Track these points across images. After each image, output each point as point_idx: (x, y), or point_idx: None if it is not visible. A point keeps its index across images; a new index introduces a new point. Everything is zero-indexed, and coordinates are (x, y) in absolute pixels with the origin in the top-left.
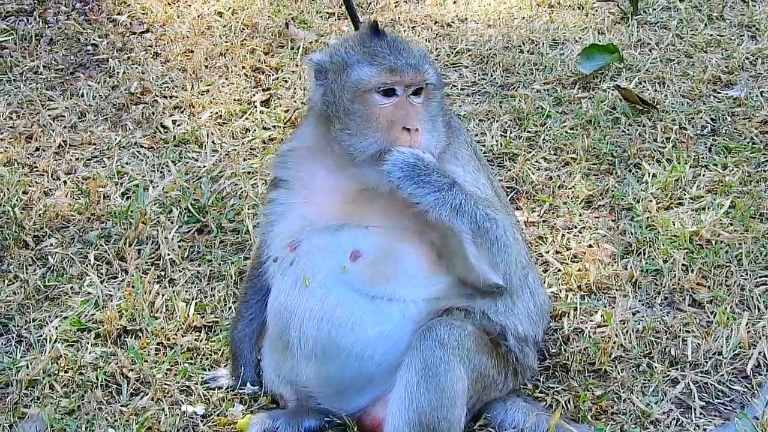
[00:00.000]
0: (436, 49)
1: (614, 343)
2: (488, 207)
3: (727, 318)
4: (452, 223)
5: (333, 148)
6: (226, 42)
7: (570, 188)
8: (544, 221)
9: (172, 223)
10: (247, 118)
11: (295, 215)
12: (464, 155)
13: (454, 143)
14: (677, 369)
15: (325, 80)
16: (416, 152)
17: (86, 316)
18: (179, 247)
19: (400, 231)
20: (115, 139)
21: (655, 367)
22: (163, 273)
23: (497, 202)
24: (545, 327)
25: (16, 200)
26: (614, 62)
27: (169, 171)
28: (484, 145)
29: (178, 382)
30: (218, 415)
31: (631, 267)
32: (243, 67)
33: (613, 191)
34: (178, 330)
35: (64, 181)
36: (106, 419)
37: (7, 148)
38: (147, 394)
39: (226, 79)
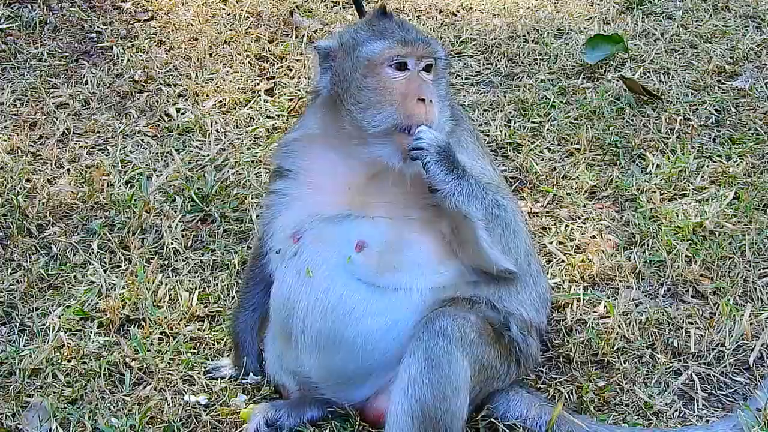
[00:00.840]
0: (441, 38)
1: (617, 334)
2: (497, 193)
3: (730, 309)
4: (467, 210)
5: (343, 128)
6: (231, 30)
7: (574, 179)
8: (547, 212)
9: (175, 212)
10: (251, 107)
11: (299, 206)
12: (469, 143)
13: (458, 131)
14: (680, 360)
15: (333, 64)
16: (442, 136)
17: (89, 305)
18: (182, 236)
19: (406, 220)
20: (119, 127)
21: (658, 359)
22: (166, 262)
23: (505, 188)
24: (547, 315)
25: (20, 188)
26: (619, 52)
27: (173, 160)
28: (488, 135)
29: (181, 372)
30: (221, 405)
31: (634, 258)
32: (247, 56)
33: (616, 182)
34: (181, 319)
35: (68, 170)
36: (109, 408)
37: (10, 135)
38: (150, 384)
39: (231, 67)
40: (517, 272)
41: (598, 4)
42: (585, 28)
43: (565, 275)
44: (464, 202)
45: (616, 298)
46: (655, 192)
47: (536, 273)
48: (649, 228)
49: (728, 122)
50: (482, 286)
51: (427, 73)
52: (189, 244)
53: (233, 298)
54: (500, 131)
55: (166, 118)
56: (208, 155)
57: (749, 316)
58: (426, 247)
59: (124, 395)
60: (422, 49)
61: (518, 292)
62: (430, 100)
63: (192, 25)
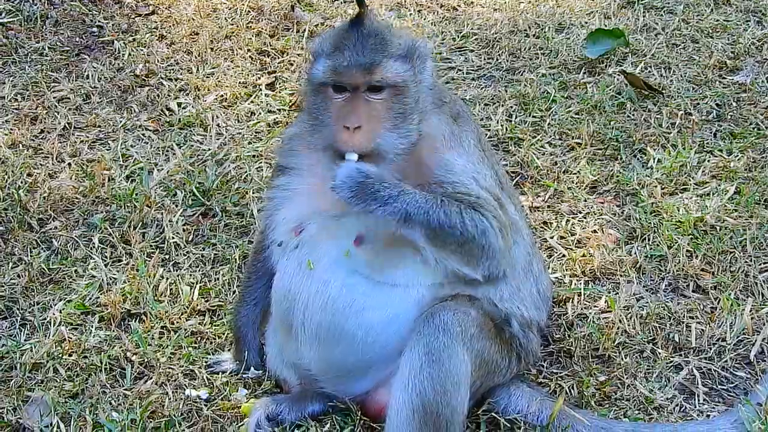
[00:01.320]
0: (442, 32)
1: (618, 328)
2: (464, 210)
3: (731, 304)
4: (405, 233)
5: None
6: (232, 24)
7: (575, 173)
8: (548, 206)
9: (176, 206)
10: (252, 101)
11: (302, 200)
12: (469, 144)
13: (459, 131)
14: (681, 355)
15: None
16: (362, 167)
17: (90, 299)
18: (183, 230)
19: None
20: (120, 121)
21: (659, 353)
22: (167, 256)
23: (486, 197)
24: (549, 312)
25: (21, 182)
26: (620, 47)
27: (174, 154)
28: (489, 130)
29: (182, 366)
30: (222, 400)
31: (635, 252)
32: (248, 50)
33: (618, 176)
34: (182, 314)
35: (69, 164)
36: (110, 403)
37: (11, 130)
38: (151, 378)
39: (232, 61)
40: (481, 281)
41: None
42: (586, 23)
43: (566, 270)
44: (398, 226)
45: (617, 293)
46: (656, 186)
47: (538, 271)
48: (650, 222)
49: (729, 117)
50: (481, 284)
51: (375, 93)
52: (190, 239)
53: (234, 292)
54: (501, 126)
55: (167, 113)
56: (209, 149)
57: (750, 311)
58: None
59: (125, 389)
60: (356, 78)
61: (519, 290)
62: (357, 127)
63: (193, 19)
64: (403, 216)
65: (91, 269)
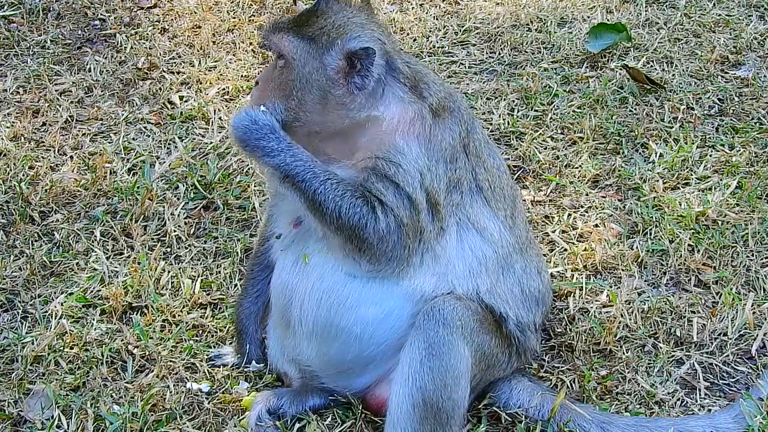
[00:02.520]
0: (444, 26)
1: (619, 323)
2: (351, 189)
3: (733, 299)
4: (288, 195)
5: None
6: (234, 18)
7: (577, 167)
8: (550, 200)
9: (178, 199)
10: None
11: None
12: (440, 140)
13: (434, 124)
14: (682, 349)
15: None
16: (253, 113)
17: (92, 292)
18: (185, 223)
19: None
20: (122, 114)
21: (660, 348)
22: (168, 250)
23: (417, 196)
24: (546, 311)
25: (23, 175)
26: (622, 41)
27: (176, 147)
28: (491, 124)
29: (183, 360)
30: (223, 393)
31: (637, 247)
32: (250, 43)
33: (619, 171)
34: (183, 307)
35: (71, 157)
36: (111, 396)
37: (13, 122)
38: (152, 371)
39: (234, 55)
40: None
41: None
42: (588, 17)
43: (568, 264)
44: (280, 183)
45: (619, 287)
46: (658, 181)
47: (521, 272)
48: (652, 217)
49: (731, 111)
50: (472, 281)
51: (279, 60)
52: (192, 232)
53: (236, 285)
54: (503, 120)
55: (169, 106)
56: (211, 143)
57: (752, 306)
58: None
59: (127, 383)
60: (264, 37)
61: (510, 290)
62: (256, 82)
63: (195, 12)
64: (284, 173)
65: (93, 262)
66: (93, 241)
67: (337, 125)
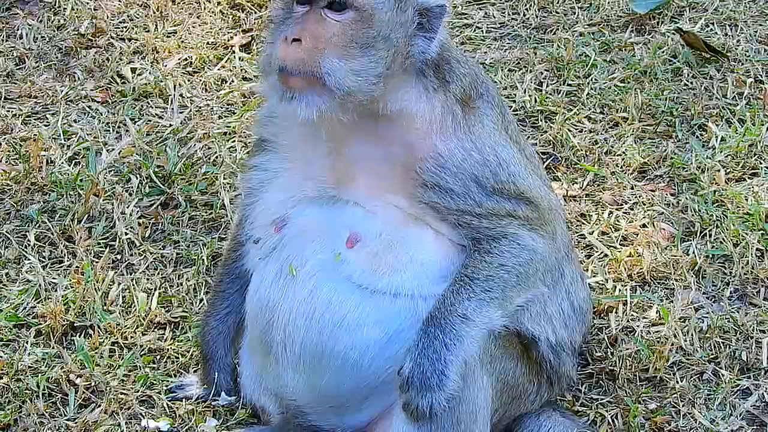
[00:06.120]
0: None
1: (672, 345)
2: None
3: None
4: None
5: None
6: None
7: (619, 155)
8: (587, 195)
9: (130, 195)
10: (223, 66)
11: (282, 183)
12: (486, 125)
13: (475, 114)
14: (749, 377)
15: None
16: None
17: (25, 309)
18: (139, 224)
19: (399, 210)
20: (61, 91)
21: (723, 375)
22: (119, 257)
23: (494, 205)
24: (586, 330)
25: None
26: (675, 0)
27: (127, 131)
28: (514, 102)
29: (138, 391)
30: None
31: (693, 252)
32: (218, 3)
33: (672, 159)
34: (137, 327)
35: None
36: None
37: None
38: (99, 406)
39: (198, 17)
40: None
41: None
42: None
43: (609, 273)
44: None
45: (671, 301)
46: (719, 171)
47: (571, 282)
48: (712, 215)
49: None
50: None
51: (333, 11)
52: (147, 235)
53: (202, 300)
54: (529, 96)
55: (118, 80)
56: (171, 125)
57: None
58: (431, 243)
59: (68, 419)
60: None
61: (545, 306)
62: (296, 40)
63: None
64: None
65: (26, 272)
66: (26, 247)
67: (376, 107)
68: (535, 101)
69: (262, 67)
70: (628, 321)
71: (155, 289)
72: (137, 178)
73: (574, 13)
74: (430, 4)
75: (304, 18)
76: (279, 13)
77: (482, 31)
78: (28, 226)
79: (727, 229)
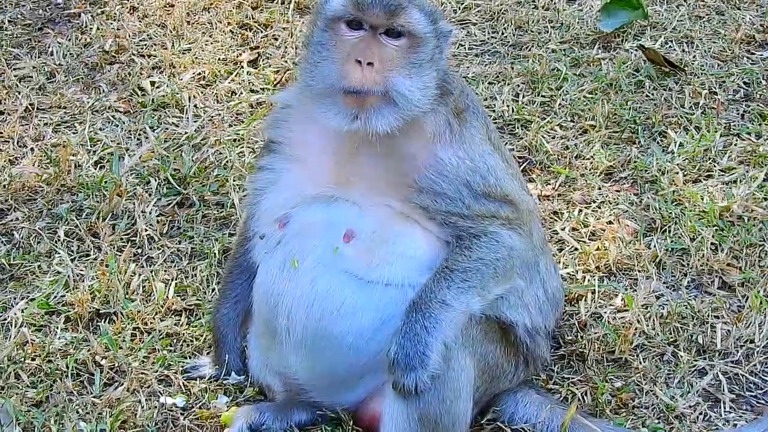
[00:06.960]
0: (442, 3)
1: (636, 329)
2: (468, 247)
3: (760, 302)
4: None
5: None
6: None
7: (588, 159)
8: (559, 195)
9: (149, 195)
10: (232, 80)
11: (286, 184)
12: (474, 137)
13: (466, 126)
14: (705, 358)
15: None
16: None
17: (55, 297)
18: (158, 222)
19: (391, 210)
20: (88, 102)
21: (681, 357)
22: (139, 251)
23: (482, 207)
24: (558, 316)
25: None
26: (638, 19)
27: (147, 138)
28: (493, 111)
29: (156, 371)
30: (200, 408)
31: (654, 246)
32: (228, 23)
33: (635, 162)
34: (156, 314)
35: (31, 149)
36: (77, 411)
37: None
38: (122, 385)
39: (210, 36)
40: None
41: None
42: None
43: (579, 265)
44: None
45: (635, 290)
46: (677, 173)
47: (545, 272)
48: (671, 213)
49: (758, 96)
50: None
51: (391, 38)
52: (165, 231)
53: (213, 290)
54: (507, 106)
55: (139, 92)
56: (186, 133)
57: None
58: (419, 238)
59: (94, 397)
60: (378, 18)
61: (522, 294)
62: (369, 63)
63: None
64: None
65: (56, 265)
66: (56, 242)
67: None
68: (513, 111)
69: (315, 87)
70: (596, 308)
71: (172, 280)
72: (156, 180)
73: (547, 32)
74: (446, 29)
75: (366, 43)
76: (323, 36)
77: (465, 48)
78: (58, 223)
79: (684, 226)
